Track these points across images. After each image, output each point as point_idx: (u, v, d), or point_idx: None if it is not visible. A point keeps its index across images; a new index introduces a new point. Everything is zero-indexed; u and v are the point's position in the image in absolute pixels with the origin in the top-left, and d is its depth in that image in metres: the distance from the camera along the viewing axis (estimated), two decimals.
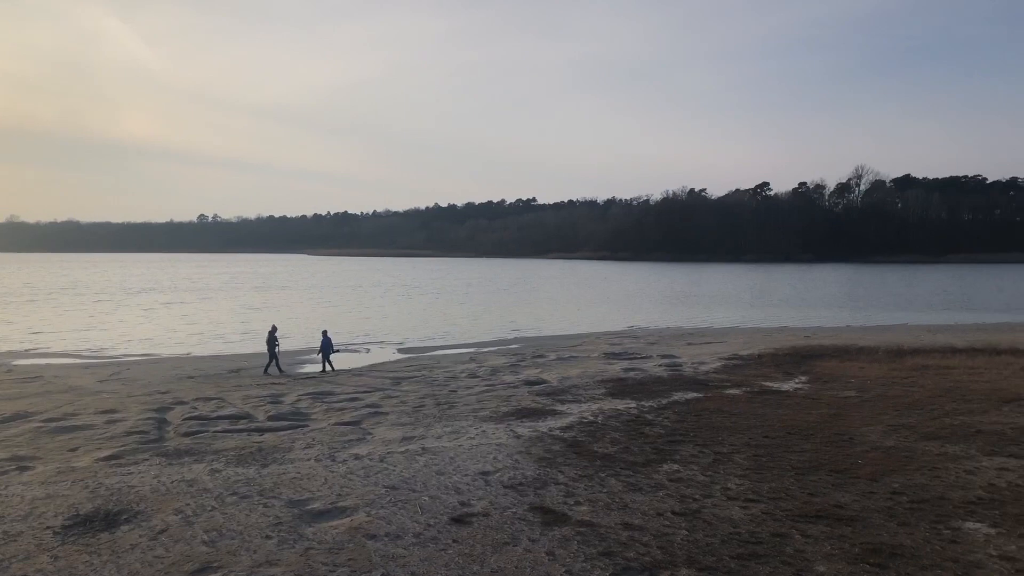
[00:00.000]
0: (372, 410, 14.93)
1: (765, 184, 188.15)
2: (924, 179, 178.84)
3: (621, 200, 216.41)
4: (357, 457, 11.05)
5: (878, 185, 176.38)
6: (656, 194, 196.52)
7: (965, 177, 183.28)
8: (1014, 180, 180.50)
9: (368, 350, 27.29)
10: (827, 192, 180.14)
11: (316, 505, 8.78)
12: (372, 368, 21.94)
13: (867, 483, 9.44)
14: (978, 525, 7.96)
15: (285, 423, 13.82)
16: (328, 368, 21.52)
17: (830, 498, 8.83)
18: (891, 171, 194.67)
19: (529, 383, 17.93)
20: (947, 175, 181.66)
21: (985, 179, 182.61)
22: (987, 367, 18.83)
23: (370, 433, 12.83)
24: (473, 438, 12.21)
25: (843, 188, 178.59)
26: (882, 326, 36.13)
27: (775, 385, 17.04)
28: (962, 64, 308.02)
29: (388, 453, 11.27)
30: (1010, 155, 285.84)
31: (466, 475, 9.98)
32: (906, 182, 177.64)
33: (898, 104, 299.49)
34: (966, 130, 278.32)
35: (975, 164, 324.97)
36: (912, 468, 10.09)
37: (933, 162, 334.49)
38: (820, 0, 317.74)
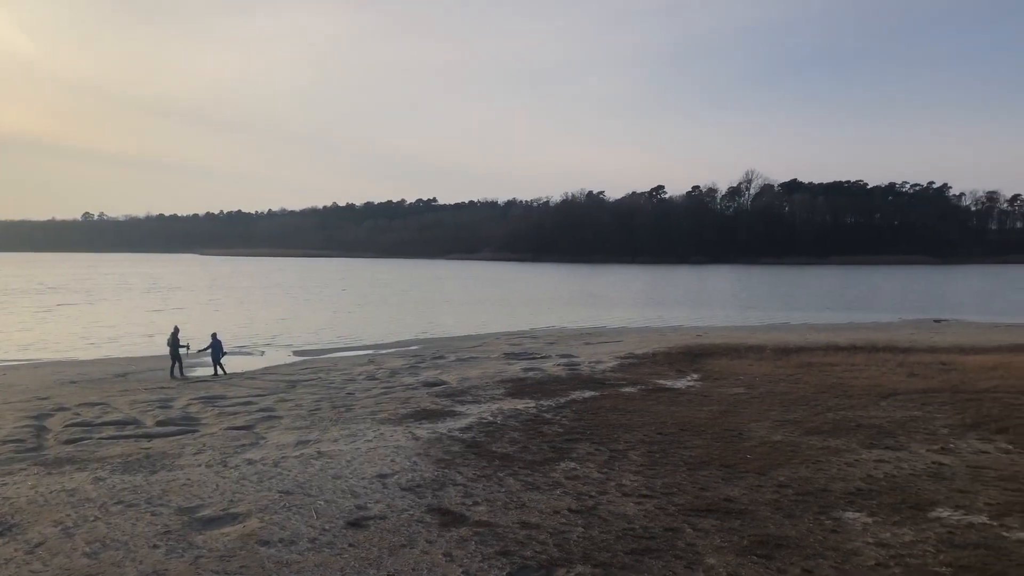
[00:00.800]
0: (266, 414, 14.59)
1: (660, 187, 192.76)
2: (810, 183, 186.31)
3: (521, 202, 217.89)
4: (250, 462, 10.78)
5: (767, 189, 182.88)
6: (556, 196, 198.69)
7: (848, 182, 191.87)
8: (892, 186, 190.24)
9: (262, 353, 26.67)
10: (719, 196, 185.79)
11: (207, 512, 8.52)
12: (266, 371, 21.45)
13: (755, 477, 9.78)
14: (857, 515, 8.34)
15: (175, 428, 13.38)
16: (219, 372, 20.91)
17: (720, 492, 9.11)
18: (779, 176, 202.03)
19: (428, 384, 17.85)
20: (831, 180, 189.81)
21: (866, 184, 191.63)
22: (866, 364, 19.76)
23: (264, 437, 12.53)
24: (370, 441, 12.08)
25: (734, 192, 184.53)
26: (770, 325, 37.49)
27: (669, 383, 17.46)
28: (846, 75, 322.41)
29: (282, 457, 11.04)
30: (889, 162, 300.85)
31: (363, 478, 9.87)
32: (793, 186, 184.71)
33: (786, 111, 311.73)
34: (849, 137, 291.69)
35: (857, 170, 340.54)
36: (797, 462, 10.51)
37: (818, 167, 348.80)
38: (714, 10, 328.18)
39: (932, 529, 7.84)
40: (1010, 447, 11.25)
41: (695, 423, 12.96)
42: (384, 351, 26.50)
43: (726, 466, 10.27)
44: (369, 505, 8.74)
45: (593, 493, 9.12)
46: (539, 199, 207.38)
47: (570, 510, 8.50)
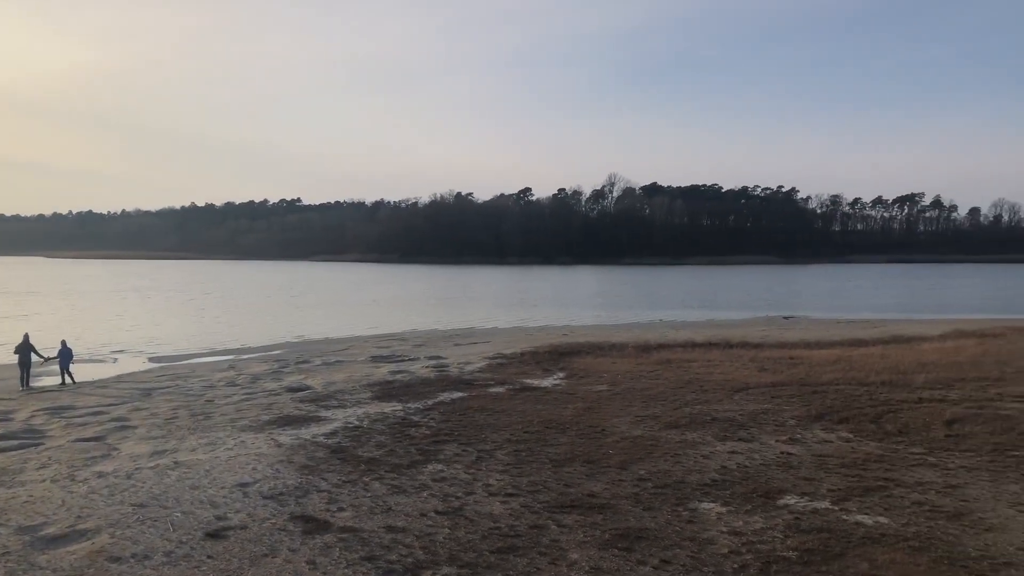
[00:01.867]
0: (119, 424, 13.89)
1: (528, 190, 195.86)
2: (669, 187, 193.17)
3: (389, 202, 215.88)
4: (101, 475, 10.24)
5: (628, 192, 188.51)
6: (424, 197, 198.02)
7: (704, 186, 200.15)
8: (745, 189, 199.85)
9: (115, 360, 25.37)
10: (584, 198, 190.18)
11: (51, 530, 8.04)
12: (120, 379, 20.42)
13: (617, 472, 10.05)
14: (712, 505, 8.71)
15: (15, 442, 12.54)
16: (68, 380, 19.76)
17: (583, 488, 9.32)
18: (640, 179, 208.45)
19: (292, 390, 17.44)
20: (689, 184, 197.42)
21: (721, 188, 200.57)
22: (722, 360, 20.64)
23: (116, 448, 11.93)
24: (231, 449, 11.69)
25: (598, 195, 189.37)
26: (632, 324, 38.61)
27: (535, 382, 17.71)
28: (702, 81, 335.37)
29: (136, 469, 10.54)
30: (741, 166, 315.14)
31: (223, 488, 9.54)
32: (653, 189, 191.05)
33: (647, 116, 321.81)
34: (705, 142, 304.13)
35: (713, 174, 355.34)
36: (656, 455, 10.87)
37: (677, 171, 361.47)
38: (581, 14, 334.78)
39: (781, 516, 8.28)
40: (850, 436, 12.00)
41: (560, 421, 13.20)
42: (246, 356, 25.71)
43: (589, 462, 10.52)
44: (229, 515, 8.46)
45: (460, 494, 9.15)
46: (407, 200, 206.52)
47: (437, 512, 8.50)
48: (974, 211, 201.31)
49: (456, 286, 79.37)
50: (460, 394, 16.20)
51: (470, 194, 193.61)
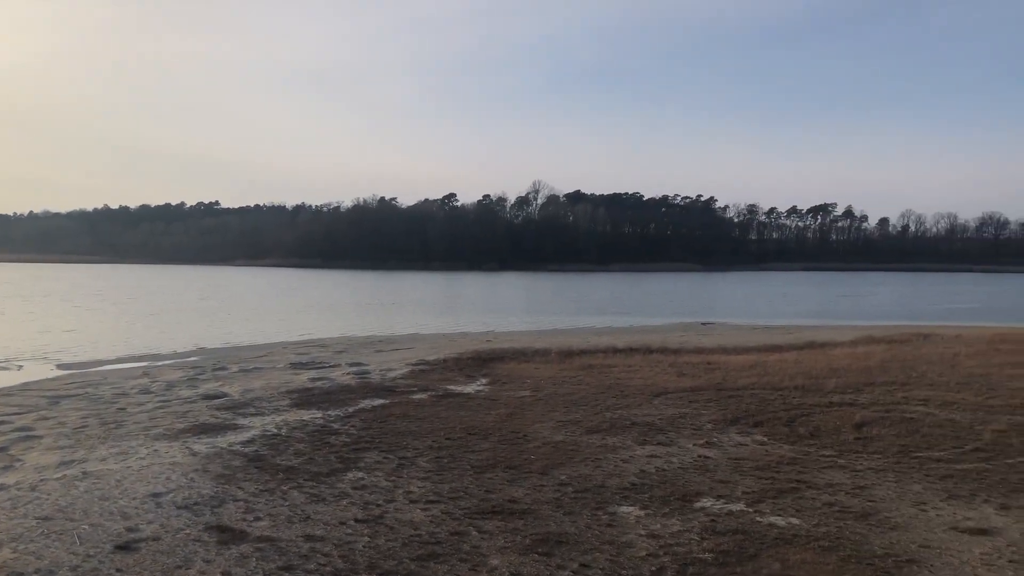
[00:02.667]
0: (22, 434, 13.33)
1: (452, 195, 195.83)
2: (592, 195, 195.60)
3: (311, 206, 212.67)
4: (2, 488, 9.82)
5: (553, 199, 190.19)
6: (347, 201, 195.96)
7: (626, 194, 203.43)
8: (665, 198, 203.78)
9: (20, 367, 24.36)
10: (508, 204, 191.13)
11: None
12: (25, 387, 19.60)
13: (538, 477, 10.11)
14: (631, 508, 8.83)
15: None
16: None
17: (505, 494, 9.34)
18: (564, 187, 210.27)
19: (208, 397, 17.03)
20: (611, 192, 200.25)
21: (642, 196, 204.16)
22: (642, 365, 20.96)
23: (20, 460, 11.45)
24: (143, 458, 11.35)
25: (523, 201, 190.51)
26: (556, 329, 38.90)
27: (458, 388, 17.68)
28: (625, 90, 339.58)
29: (41, 480, 10.14)
30: (662, 175, 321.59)
31: (134, 498, 9.25)
32: (577, 197, 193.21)
33: (571, 124, 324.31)
34: (627, 151, 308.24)
35: (634, 182, 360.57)
36: (577, 460, 10.97)
37: (600, 179, 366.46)
38: (506, 22, 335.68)
39: (697, 518, 8.44)
40: (765, 439, 12.32)
41: (483, 427, 13.21)
42: (160, 363, 24.99)
43: (511, 468, 10.55)
44: (141, 526, 8.21)
45: (380, 502, 9.08)
46: (330, 204, 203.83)
47: (356, 520, 8.41)
48: (883, 221, 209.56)
49: (379, 291, 78.71)
50: (382, 401, 16.07)
51: (394, 199, 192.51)
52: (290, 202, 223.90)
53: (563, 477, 10.09)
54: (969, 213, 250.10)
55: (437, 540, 7.75)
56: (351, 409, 15.18)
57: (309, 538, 7.84)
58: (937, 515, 8.59)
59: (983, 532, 8.03)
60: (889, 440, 12.09)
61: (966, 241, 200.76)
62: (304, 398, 16.60)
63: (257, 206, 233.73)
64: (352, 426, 13.48)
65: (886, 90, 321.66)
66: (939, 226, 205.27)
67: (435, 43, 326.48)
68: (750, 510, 8.73)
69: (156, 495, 9.38)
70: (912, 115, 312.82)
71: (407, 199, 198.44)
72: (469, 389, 17.58)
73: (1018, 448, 11.50)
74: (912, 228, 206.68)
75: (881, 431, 12.67)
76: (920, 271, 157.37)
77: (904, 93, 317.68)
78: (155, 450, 11.86)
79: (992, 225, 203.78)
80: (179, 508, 8.85)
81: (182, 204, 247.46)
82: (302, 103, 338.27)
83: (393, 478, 10.11)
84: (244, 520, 8.39)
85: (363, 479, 10.07)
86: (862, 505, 8.90)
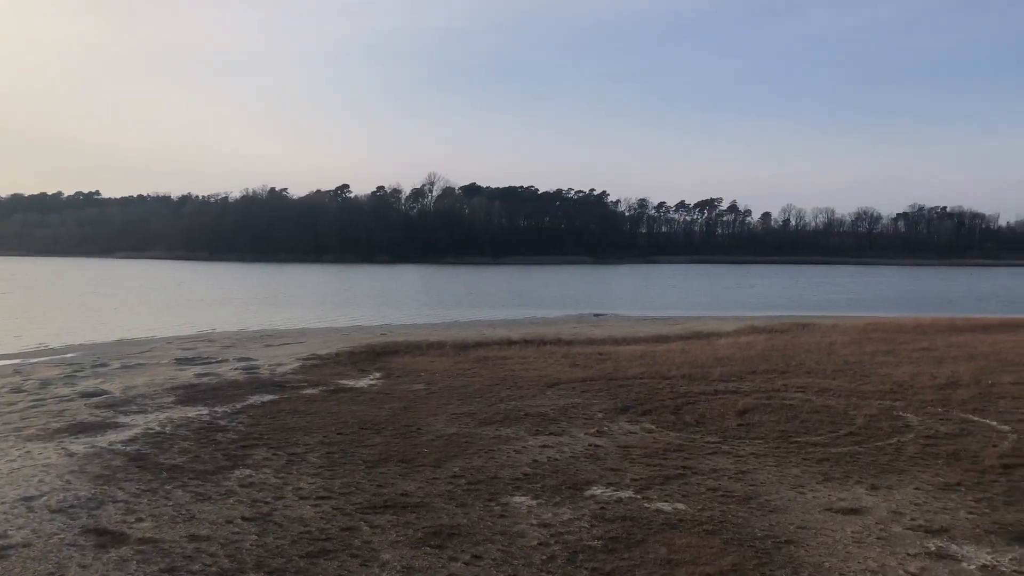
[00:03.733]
0: None
1: (346, 186, 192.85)
2: (488, 188, 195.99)
3: (197, 197, 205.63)
4: None
5: (448, 192, 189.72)
6: (235, 192, 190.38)
7: (521, 187, 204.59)
8: (559, 192, 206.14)
9: None
10: (403, 196, 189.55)
11: None
12: None
13: (431, 470, 10.09)
14: (523, 499, 8.92)
15: None
16: None
17: (397, 488, 9.29)
18: (460, 179, 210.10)
19: (87, 395, 16.28)
20: (507, 185, 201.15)
21: (537, 190, 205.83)
22: (536, 357, 21.17)
23: None
24: (14, 460, 10.76)
25: (418, 193, 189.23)
26: (451, 322, 38.90)
27: (351, 383, 17.47)
28: (521, 84, 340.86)
29: None
30: (556, 169, 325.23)
31: (3, 503, 8.76)
32: (472, 190, 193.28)
33: (466, 116, 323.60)
34: (522, 144, 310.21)
35: (529, 176, 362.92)
36: (471, 452, 11.00)
37: (496, 172, 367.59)
38: (403, 12, 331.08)
39: (587, 506, 8.59)
40: (653, 427, 12.64)
41: (375, 421, 13.09)
42: (35, 360, 23.76)
43: (404, 462, 10.49)
44: (10, 532, 7.79)
45: (269, 499, 8.88)
46: (217, 195, 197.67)
47: (243, 518, 8.20)
48: (766, 216, 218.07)
49: (269, 285, 76.92)
50: (271, 396, 15.71)
51: (284, 190, 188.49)
52: (175, 192, 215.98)
53: (456, 469, 10.11)
54: (846, 208, 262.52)
55: (327, 536, 7.65)
56: (239, 405, 14.78)
57: (194, 538, 7.61)
58: (813, 497, 9.00)
59: (855, 512, 8.46)
60: (770, 426, 12.59)
61: (843, 235, 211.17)
62: (190, 394, 16.08)
63: (141, 196, 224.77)
64: (240, 423, 13.13)
65: (770, 91, 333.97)
66: (818, 221, 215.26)
67: (330, 32, 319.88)
68: (638, 497, 8.95)
69: (27, 499, 8.91)
70: (793, 115, 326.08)
71: (299, 190, 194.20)
72: (362, 383, 17.39)
73: (887, 431, 12.16)
74: (793, 223, 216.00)
75: (762, 417, 13.18)
76: (800, 264, 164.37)
77: (786, 94, 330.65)
78: (27, 451, 11.26)
79: (866, 220, 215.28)
80: (53, 512, 8.44)
81: (59, 194, 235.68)
82: (188, 90, 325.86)
83: (282, 475, 9.90)
84: (124, 522, 8.07)
85: (251, 476, 9.83)
86: (744, 489, 9.24)
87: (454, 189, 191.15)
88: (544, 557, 7.14)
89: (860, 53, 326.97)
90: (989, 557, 7.16)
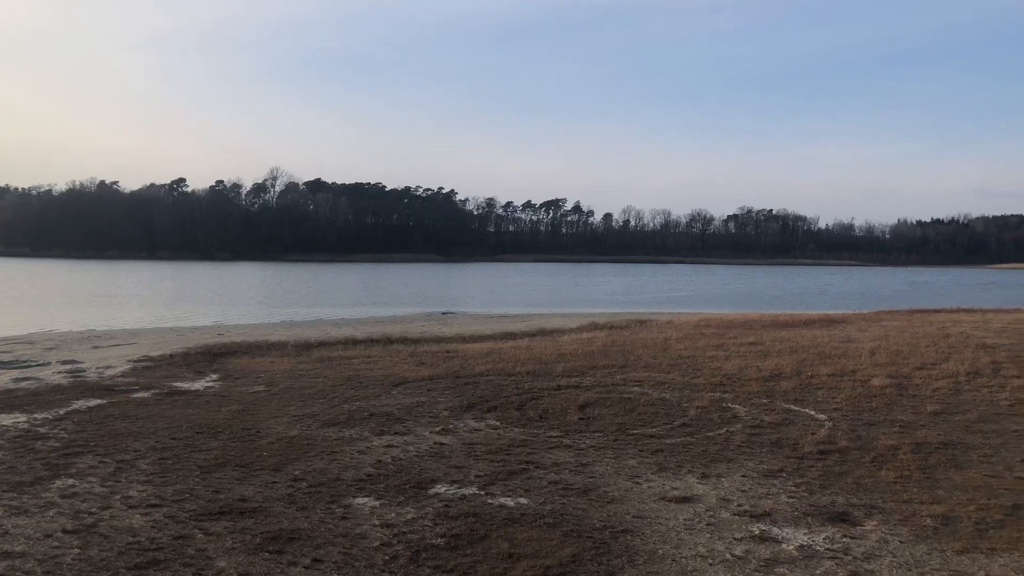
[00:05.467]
0: None
1: (182, 180, 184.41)
2: (334, 183, 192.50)
3: (16, 189, 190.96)
4: None
5: (292, 187, 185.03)
6: (60, 184, 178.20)
7: (368, 184, 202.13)
8: (407, 189, 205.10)
9: None
10: (244, 191, 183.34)
11: None
12: None
13: (271, 474, 9.81)
14: (366, 499, 8.81)
15: None
16: None
17: (234, 493, 8.97)
18: (304, 174, 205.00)
19: None
20: (353, 181, 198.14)
21: (385, 187, 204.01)
22: (382, 355, 20.96)
23: None
24: None
25: (259, 188, 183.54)
26: (293, 321, 37.94)
27: (186, 385, 16.72)
28: (367, 78, 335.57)
29: None
30: (404, 166, 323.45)
31: None
32: (317, 185, 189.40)
33: (312, 110, 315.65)
34: (369, 140, 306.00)
35: (377, 173, 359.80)
36: (313, 454, 10.77)
37: (342, 168, 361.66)
38: (247, 1, 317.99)
39: (431, 505, 8.59)
40: (498, 423, 12.78)
41: (212, 425, 12.59)
42: None
43: (242, 466, 10.15)
44: None
45: (94, 510, 8.37)
46: (40, 187, 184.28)
47: (65, 531, 7.69)
48: (607, 216, 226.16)
49: (98, 283, 72.51)
50: (98, 401, 14.81)
51: (115, 183, 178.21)
52: None
53: (297, 472, 9.87)
54: (681, 210, 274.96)
55: (158, 546, 7.29)
56: (62, 411, 13.84)
57: (6, 555, 7.07)
58: (649, 487, 9.36)
59: (687, 500, 8.86)
60: (609, 419, 13.00)
61: (678, 235, 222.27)
62: (5, 400, 14.91)
63: None
64: (63, 430, 12.30)
65: (608, 94, 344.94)
66: (655, 221, 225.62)
67: (170, 18, 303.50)
68: (482, 493, 9.03)
69: None
70: (631, 118, 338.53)
71: (131, 183, 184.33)
72: (198, 386, 16.68)
73: (717, 422, 12.82)
74: (632, 223, 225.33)
75: (602, 411, 13.59)
76: (639, 263, 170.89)
77: (623, 98, 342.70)
78: None
79: (700, 221, 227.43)
80: None
81: None
82: (10, 77, 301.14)
83: (110, 483, 9.36)
84: None
85: (74, 486, 9.23)
86: (584, 481, 9.50)
87: (298, 184, 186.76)
88: (387, 557, 7.09)
89: (695, 60, 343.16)
90: (806, 537, 7.68)
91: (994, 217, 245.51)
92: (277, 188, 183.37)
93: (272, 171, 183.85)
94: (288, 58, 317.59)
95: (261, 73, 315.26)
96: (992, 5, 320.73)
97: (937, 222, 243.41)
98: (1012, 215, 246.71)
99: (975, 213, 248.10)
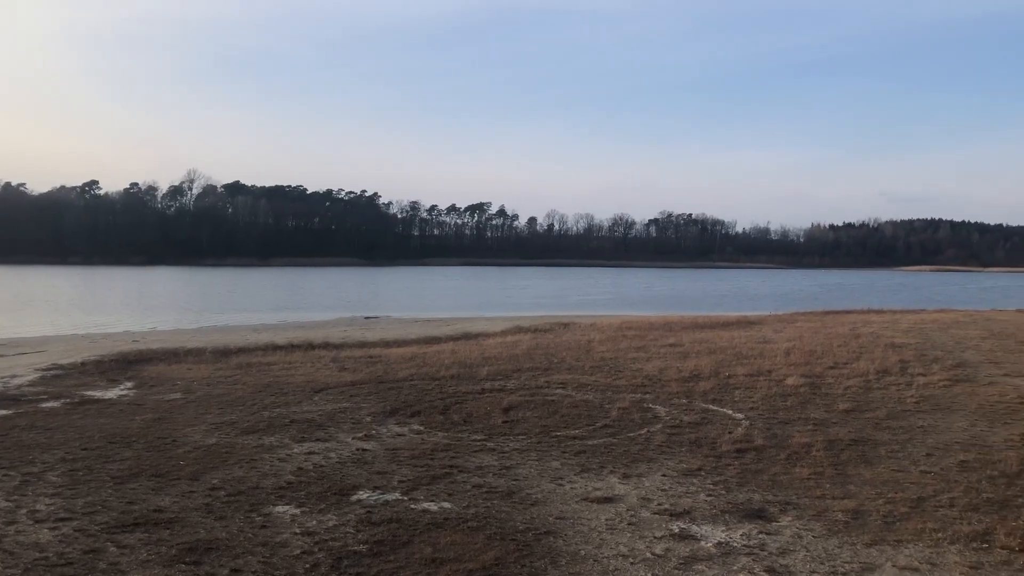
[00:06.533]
0: None
1: (94, 182, 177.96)
2: (253, 186, 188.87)
3: None
4: None
5: (210, 189, 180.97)
6: None
7: (289, 186, 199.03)
8: (330, 192, 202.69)
9: None
10: (160, 194, 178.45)
11: None
12: None
13: (188, 483, 9.56)
14: (287, 507, 8.67)
15: None
16: None
17: (149, 504, 8.72)
18: (223, 177, 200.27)
19: None
20: (273, 184, 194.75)
21: (306, 189, 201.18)
22: (303, 361, 20.65)
23: None
24: None
25: (176, 191, 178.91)
26: (212, 327, 37.06)
27: (98, 394, 16.18)
28: (291, 81, 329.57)
29: None
30: (325, 169, 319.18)
31: None
32: (236, 188, 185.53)
33: (229, 111, 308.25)
34: (290, 142, 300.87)
35: (298, 175, 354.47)
36: (231, 462, 10.54)
37: (261, 170, 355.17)
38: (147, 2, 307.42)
39: (353, 511, 8.50)
40: (421, 428, 12.72)
41: (126, 434, 12.21)
42: None
43: (157, 476, 9.87)
44: None
45: None
46: None
47: None
48: (532, 220, 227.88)
49: (2, 289, 69.57)
50: (3, 412, 14.20)
51: (22, 185, 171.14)
52: None
53: (215, 481, 9.64)
54: (604, 214, 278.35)
55: (68, 561, 7.04)
56: None
57: None
58: (572, 488, 9.44)
59: (609, 500, 8.97)
60: (533, 422, 13.07)
61: (601, 239, 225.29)
62: None
63: None
64: None
65: (533, 100, 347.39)
66: (579, 225, 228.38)
67: (81, 16, 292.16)
68: (405, 498, 8.98)
69: None
70: (554, 124, 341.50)
71: (39, 185, 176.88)
72: (111, 394, 16.16)
73: (638, 422, 13.01)
74: (557, 227, 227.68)
75: (526, 414, 13.65)
76: (564, 266, 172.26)
77: (547, 103, 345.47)
78: None
79: (622, 225, 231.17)
80: None
81: None
82: None
83: (15, 497, 8.99)
84: None
85: None
86: (508, 484, 9.53)
87: (216, 187, 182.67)
88: (307, 566, 6.98)
89: (617, 67, 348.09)
90: (724, 534, 7.86)
91: (901, 221, 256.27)
92: (194, 191, 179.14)
93: (189, 173, 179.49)
94: (207, 58, 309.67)
95: (179, 73, 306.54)
96: (898, 18, 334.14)
97: (849, 226, 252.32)
98: (917, 219, 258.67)
99: (884, 217, 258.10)
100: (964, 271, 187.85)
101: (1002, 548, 7.39)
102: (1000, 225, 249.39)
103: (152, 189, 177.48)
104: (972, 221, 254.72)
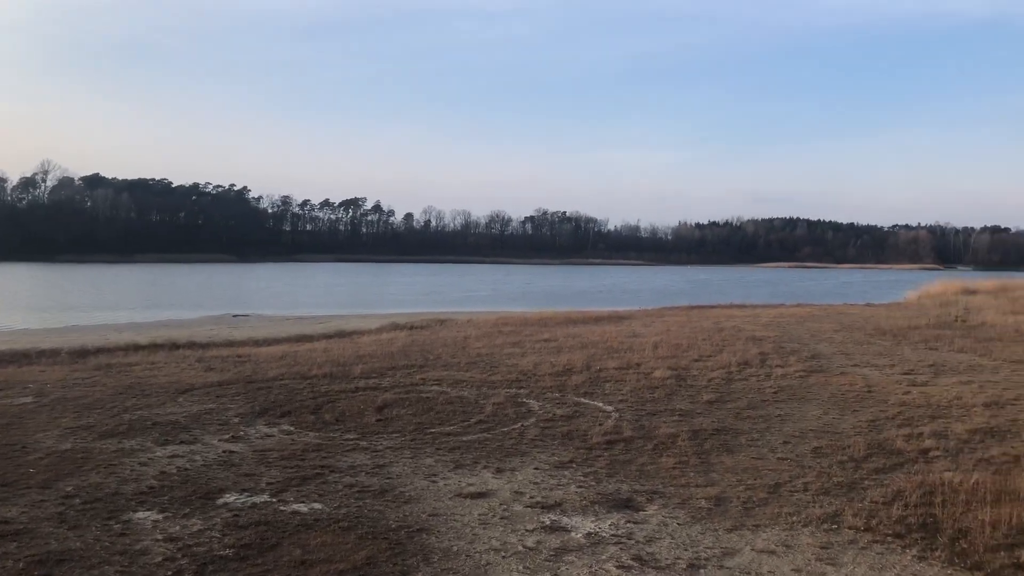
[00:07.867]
0: None
1: None
2: (114, 179, 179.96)
3: None
4: None
5: (66, 182, 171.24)
6: None
7: (153, 180, 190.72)
8: (196, 185, 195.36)
9: None
10: (10, 186, 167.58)
11: None
12: None
13: (39, 492, 9.03)
14: (148, 513, 8.31)
15: None
16: None
17: None
18: (80, 169, 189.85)
19: None
20: (136, 176, 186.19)
21: (171, 183, 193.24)
22: (167, 361, 19.84)
23: None
24: None
25: (28, 183, 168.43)
26: (69, 327, 35.10)
27: None
28: (158, 69, 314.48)
29: None
30: (192, 162, 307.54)
31: None
32: (96, 181, 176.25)
33: (87, 100, 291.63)
34: (153, 134, 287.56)
35: (162, 168, 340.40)
36: (88, 468, 10.02)
37: (123, 163, 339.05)
38: None
39: (219, 515, 8.23)
40: (292, 428, 12.44)
41: None
42: None
43: (4, 485, 9.27)
44: None
45: None
46: None
47: None
48: (408, 216, 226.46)
49: None
50: None
51: None
52: None
53: (70, 489, 9.14)
54: (481, 211, 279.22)
55: None
56: None
57: None
58: (445, 484, 9.45)
59: (482, 495, 9.02)
60: (407, 419, 12.99)
61: (478, 236, 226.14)
62: None
63: None
64: None
65: (410, 95, 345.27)
66: (456, 222, 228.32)
67: None
68: (274, 500, 8.76)
69: None
70: (434, 120, 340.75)
71: None
72: None
73: (512, 417, 13.14)
74: (434, 223, 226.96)
75: (401, 412, 13.56)
76: (441, 263, 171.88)
77: (422, 99, 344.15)
78: None
79: (499, 222, 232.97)
80: None
81: None
82: None
83: None
84: None
85: None
86: (381, 483, 9.44)
87: (73, 179, 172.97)
88: (170, 573, 6.73)
89: (492, 65, 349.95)
90: (593, 525, 8.04)
91: (763, 220, 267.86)
92: (49, 183, 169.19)
93: (43, 164, 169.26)
94: (64, 43, 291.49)
95: (33, 59, 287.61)
96: (764, 27, 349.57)
97: (714, 224, 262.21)
98: (777, 218, 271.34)
99: (747, 216, 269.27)
100: (819, 267, 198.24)
101: (849, 528, 7.87)
102: (852, 224, 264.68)
103: (2, 181, 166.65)
104: (827, 220, 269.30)
